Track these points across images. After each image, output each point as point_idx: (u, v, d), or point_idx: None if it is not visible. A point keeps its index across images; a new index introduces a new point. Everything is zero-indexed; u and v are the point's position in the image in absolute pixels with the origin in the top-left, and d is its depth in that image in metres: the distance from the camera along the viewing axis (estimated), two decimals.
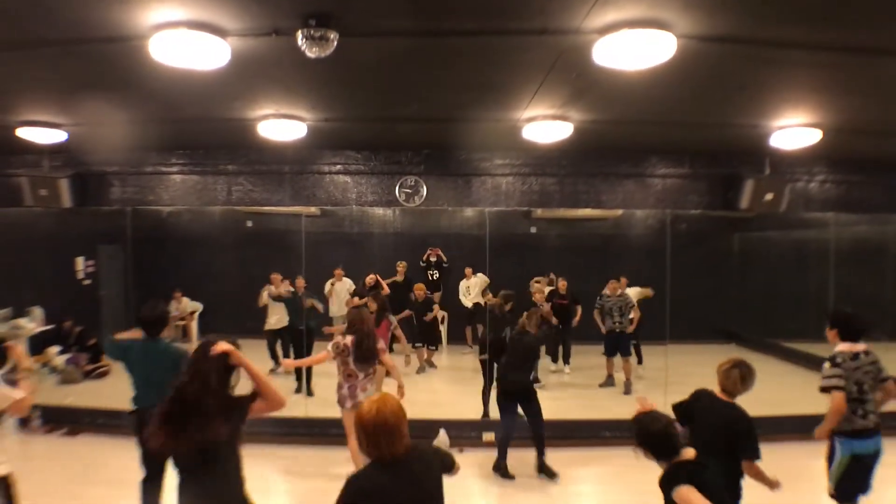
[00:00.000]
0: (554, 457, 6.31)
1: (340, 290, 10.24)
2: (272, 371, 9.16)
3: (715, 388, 3.82)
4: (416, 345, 10.05)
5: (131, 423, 4.74)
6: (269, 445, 6.60)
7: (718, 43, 4.01)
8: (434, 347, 10.26)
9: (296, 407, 7.24)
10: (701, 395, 3.87)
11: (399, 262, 11.03)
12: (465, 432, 6.91)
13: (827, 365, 4.27)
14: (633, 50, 3.93)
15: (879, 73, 4.67)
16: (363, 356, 5.53)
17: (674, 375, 8.74)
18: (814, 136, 6.35)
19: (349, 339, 5.53)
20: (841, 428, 4.24)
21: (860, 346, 4.29)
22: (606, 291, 9.40)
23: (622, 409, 8.10)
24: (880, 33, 3.90)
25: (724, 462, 3.53)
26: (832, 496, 4.36)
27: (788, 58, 4.35)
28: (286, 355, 9.53)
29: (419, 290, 10.30)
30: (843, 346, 4.30)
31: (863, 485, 4.29)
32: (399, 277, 10.80)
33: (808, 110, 5.78)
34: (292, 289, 9.18)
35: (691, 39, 3.89)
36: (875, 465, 4.29)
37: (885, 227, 10.19)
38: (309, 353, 8.11)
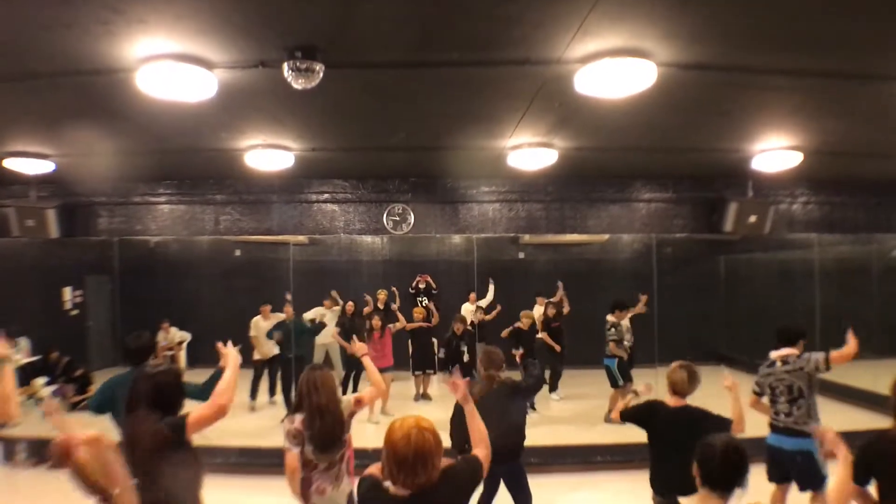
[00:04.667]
0: (544, 482, 6.26)
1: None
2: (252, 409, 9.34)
3: (668, 398, 4.24)
4: (416, 373, 9.96)
5: None
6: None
7: (698, 70, 4.10)
8: (432, 371, 10.05)
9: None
10: (655, 407, 4.25)
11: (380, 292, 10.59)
12: None
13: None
14: (615, 78, 4.00)
15: (857, 96, 4.78)
16: (322, 442, 3.77)
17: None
18: (795, 159, 6.46)
19: (297, 419, 3.83)
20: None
21: (782, 353, 4.97)
22: (612, 318, 8.83)
23: (614, 434, 8.10)
24: (856, 58, 4.00)
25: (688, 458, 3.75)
26: None
27: (767, 83, 4.45)
28: (273, 385, 9.65)
29: (418, 313, 9.98)
30: (772, 353, 5.05)
31: (778, 474, 4.97)
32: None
33: (789, 134, 5.88)
34: (283, 316, 9.19)
35: (671, 67, 3.97)
36: (791, 463, 4.85)
37: (867, 246, 10.31)
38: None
